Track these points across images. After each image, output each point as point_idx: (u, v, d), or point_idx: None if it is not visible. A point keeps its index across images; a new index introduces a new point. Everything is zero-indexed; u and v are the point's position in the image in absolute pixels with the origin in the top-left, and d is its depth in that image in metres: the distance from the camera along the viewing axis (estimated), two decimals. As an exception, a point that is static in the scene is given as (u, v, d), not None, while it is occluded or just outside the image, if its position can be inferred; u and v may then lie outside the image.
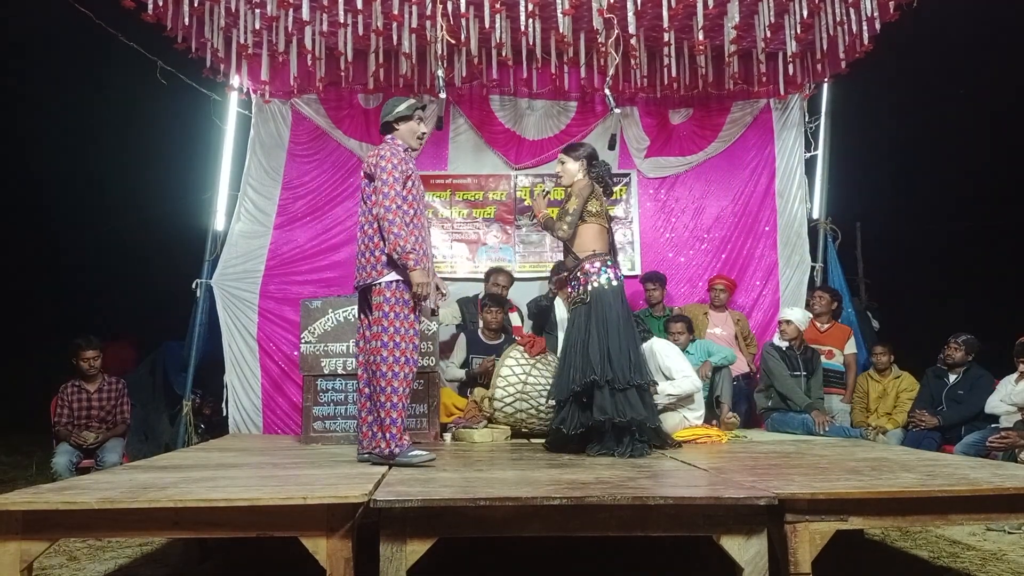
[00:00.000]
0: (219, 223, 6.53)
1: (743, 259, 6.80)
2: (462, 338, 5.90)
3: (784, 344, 5.72)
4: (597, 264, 4.32)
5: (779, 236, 6.80)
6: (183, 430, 6.18)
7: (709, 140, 6.93)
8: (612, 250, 4.57)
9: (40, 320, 13.27)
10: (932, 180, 12.84)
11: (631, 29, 5.46)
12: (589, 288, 4.29)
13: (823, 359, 6.00)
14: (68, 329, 6.66)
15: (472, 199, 6.85)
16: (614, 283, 4.31)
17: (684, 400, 4.96)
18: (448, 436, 5.05)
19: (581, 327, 4.26)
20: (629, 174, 6.93)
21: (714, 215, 6.87)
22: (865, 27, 5.46)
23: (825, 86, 6.79)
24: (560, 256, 6.71)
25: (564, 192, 4.66)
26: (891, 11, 5.45)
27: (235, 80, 6.35)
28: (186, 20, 5.38)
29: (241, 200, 6.52)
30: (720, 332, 6.24)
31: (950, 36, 9.57)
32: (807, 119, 6.93)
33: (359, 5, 5.29)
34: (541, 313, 6.16)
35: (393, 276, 3.69)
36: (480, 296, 6.15)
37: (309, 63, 5.91)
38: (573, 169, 4.52)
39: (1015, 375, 5.30)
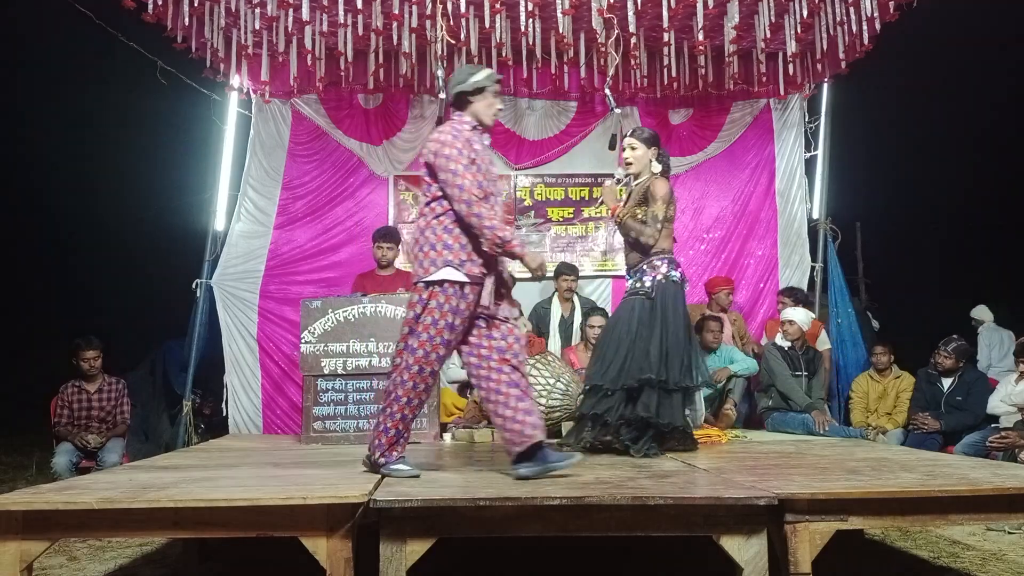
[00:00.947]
0: (219, 223, 6.53)
1: (743, 259, 6.81)
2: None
3: (787, 344, 5.72)
4: (666, 260, 4.25)
5: (779, 236, 6.80)
6: (183, 430, 6.18)
7: (709, 140, 6.93)
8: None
9: (40, 320, 13.28)
10: (932, 180, 12.84)
11: (631, 29, 5.46)
12: (655, 282, 4.20)
13: None
14: (68, 329, 6.66)
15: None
16: (679, 281, 4.25)
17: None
18: (448, 436, 5.05)
19: (645, 321, 4.17)
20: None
21: (714, 215, 6.88)
22: (865, 27, 5.46)
23: (825, 86, 6.79)
24: (562, 257, 6.74)
25: (631, 181, 4.49)
26: (891, 11, 5.45)
27: (235, 80, 6.35)
28: (186, 20, 5.38)
29: (241, 200, 6.53)
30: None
31: (950, 36, 9.57)
32: (807, 119, 6.92)
33: (359, 5, 5.29)
34: (540, 317, 6.19)
35: (441, 275, 3.22)
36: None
37: (309, 63, 5.91)
38: (644, 157, 4.35)
39: (1015, 375, 5.30)
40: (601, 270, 6.89)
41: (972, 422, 5.37)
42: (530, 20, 5.51)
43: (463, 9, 5.23)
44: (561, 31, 5.46)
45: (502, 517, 2.67)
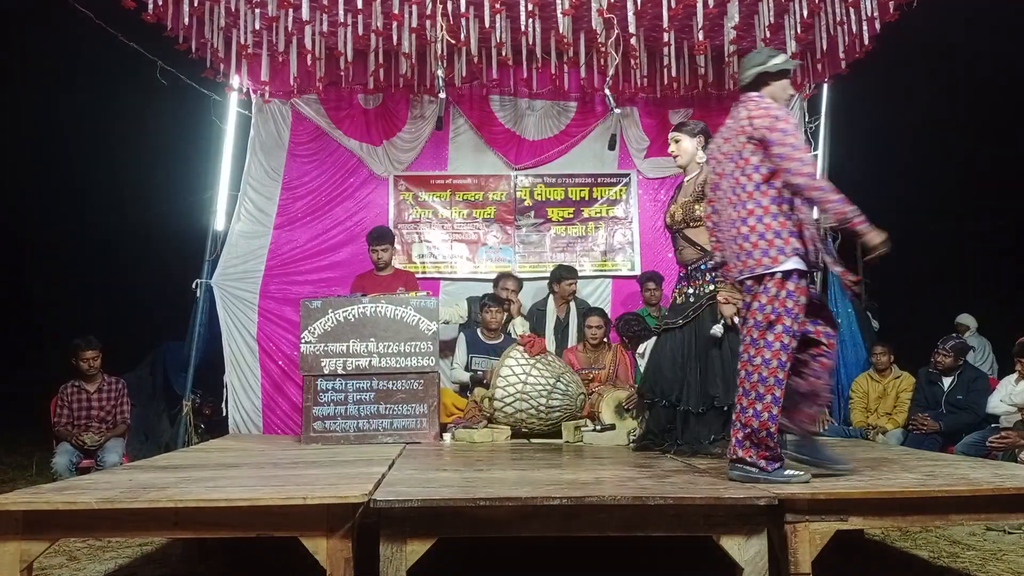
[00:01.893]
0: (219, 223, 6.53)
1: (743, 259, 6.80)
2: (462, 338, 5.90)
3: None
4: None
5: (779, 236, 6.78)
6: (183, 430, 6.18)
7: (709, 140, 6.92)
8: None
9: (40, 320, 13.28)
10: (933, 180, 12.84)
11: (631, 29, 5.46)
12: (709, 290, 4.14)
13: None
14: (68, 329, 6.66)
15: (472, 199, 6.85)
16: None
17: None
18: (448, 436, 5.05)
19: (703, 339, 4.15)
20: (629, 174, 6.93)
21: (714, 215, 6.86)
22: (865, 27, 5.46)
23: (825, 86, 6.79)
24: (562, 258, 6.73)
25: (692, 183, 4.30)
26: (891, 11, 5.46)
27: (235, 80, 6.35)
28: (186, 20, 5.38)
29: (241, 200, 6.53)
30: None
31: (950, 36, 9.57)
32: (807, 119, 6.92)
33: (359, 5, 5.29)
34: (536, 319, 6.17)
35: (791, 265, 2.99)
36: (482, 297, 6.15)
37: (309, 63, 5.91)
38: (691, 148, 4.27)
39: (1015, 375, 5.30)
40: (601, 270, 6.88)
41: (972, 421, 5.38)
42: (530, 20, 5.51)
43: (463, 9, 5.22)
44: (561, 31, 5.46)
45: (502, 517, 2.67)
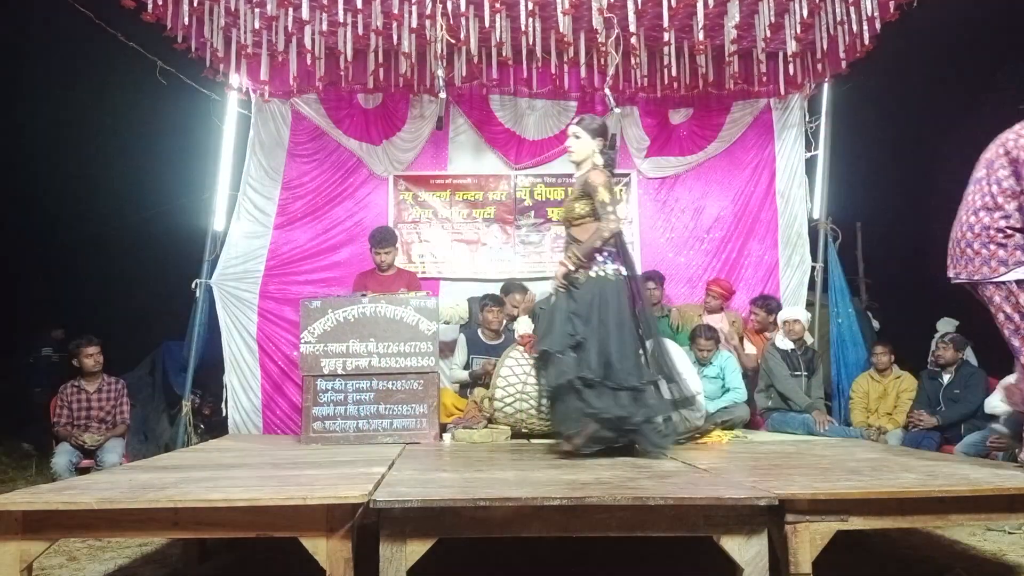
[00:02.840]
0: (219, 223, 6.53)
1: (743, 259, 6.80)
2: (462, 338, 5.90)
3: (788, 345, 5.71)
4: (604, 254, 4.12)
5: (779, 236, 6.80)
6: (183, 430, 6.18)
7: (709, 140, 6.93)
8: (621, 246, 4.26)
9: (40, 320, 13.26)
10: (933, 180, 12.82)
11: (631, 29, 5.46)
12: (589, 274, 4.08)
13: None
14: (68, 329, 6.66)
15: (472, 199, 6.85)
16: (611, 276, 4.11)
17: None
18: (448, 436, 5.05)
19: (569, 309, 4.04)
20: (629, 174, 6.93)
21: (714, 215, 6.87)
22: (865, 27, 5.46)
23: (825, 86, 6.79)
24: (560, 258, 6.71)
25: (579, 181, 4.28)
26: (891, 11, 5.45)
27: (235, 80, 6.35)
28: (186, 20, 5.38)
29: (241, 200, 6.52)
30: (718, 333, 6.23)
31: (950, 36, 9.56)
32: (807, 119, 6.92)
33: (359, 5, 5.29)
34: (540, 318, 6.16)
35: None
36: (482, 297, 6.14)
37: (309, 63, 5.90)
38: (588, 146, 4.27)
39: (1014, 375, 5.29)
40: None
41: (968, 412, 5.39)
42: (530, 20, 5.51)
43: (463, 9, 5.23)
44: (561, 31, 5.46)
45: (502, 517, 2.66)
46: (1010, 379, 5.29)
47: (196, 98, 6.64)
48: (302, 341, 5.02)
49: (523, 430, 5.09)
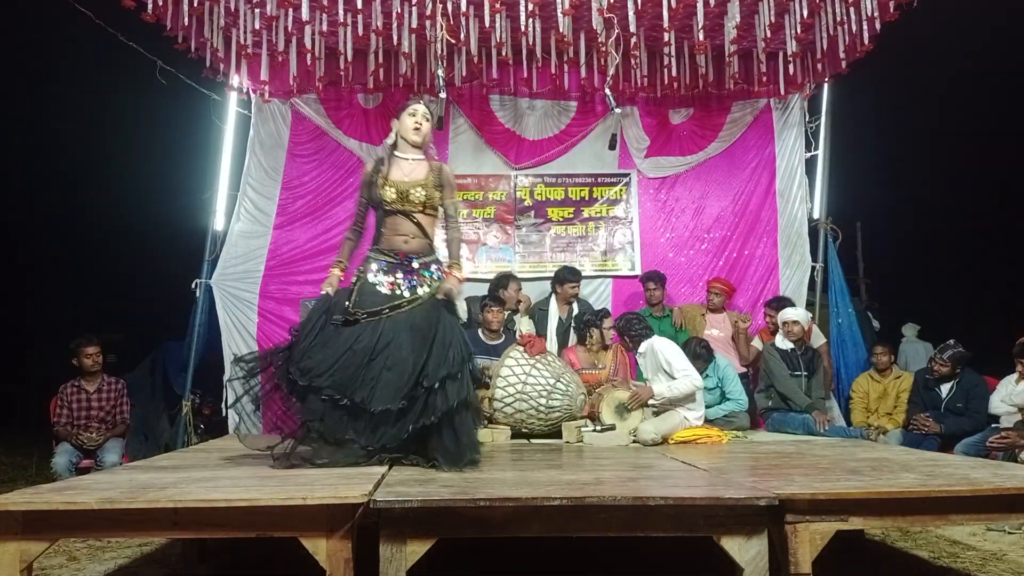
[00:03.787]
0: (219, 223, 6.53)
1: (743, 259, 6.81)
2: (462, 338, 5.89)
3: (788, 346, 5.71)
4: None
5: (779, 236, 6.80)
6: (183, 430, 6.18)
7: (709, 140, 6.93)
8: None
9: (40, 320, 13.27)
10: (933, 180, 12.85)
11: (631, 29, 5.46)
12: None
13: None
14: (68, 329, 6.65)
15: (472, 199, 6.85)
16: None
17: (684, 400, 4.96)
18: (448, 436, 5.03)
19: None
20: (629, 174, 6.93)
21: (714, 215, 6.88)
22: (865, 27, 5.46)
23: (825, 86, 6.80)
24: (562, 258, 6.73)
25: (431, 166, 3.99)
26: (891, 11, 5.46)
27: (235, 80, 6.35)
28: (186, 20, 5.39)
29: (241, 200, 6.53)
30: (717, 333, 6.22)
31: (950, 35, 9.57)
32: (807, 119, 6.93)
33: (359, 5, 5.29)
34: (538, 319, 6.16)
35: None
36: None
37: (309, 63, 5.91)
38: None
39: (1015, 375, 5.30)
40: (601, 270, 6.88)
41: (973, 427, 5.33)
42: (530, 20, 5.51)
43: (463, 9, 5.23)
44: (561, 31, 5.46)
45: (502, 517, 2.66)
46: (1010, 379, 5.31)
47: (196, 98, 6.65)
48: (302, 341, 5.00)
49: (523, 430, 5.09)
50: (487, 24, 5.46)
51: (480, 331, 5.86)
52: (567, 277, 6.12)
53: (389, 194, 3.86)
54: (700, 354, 5.56)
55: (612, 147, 6.72)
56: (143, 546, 4.13)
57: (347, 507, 2.60)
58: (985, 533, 4.34)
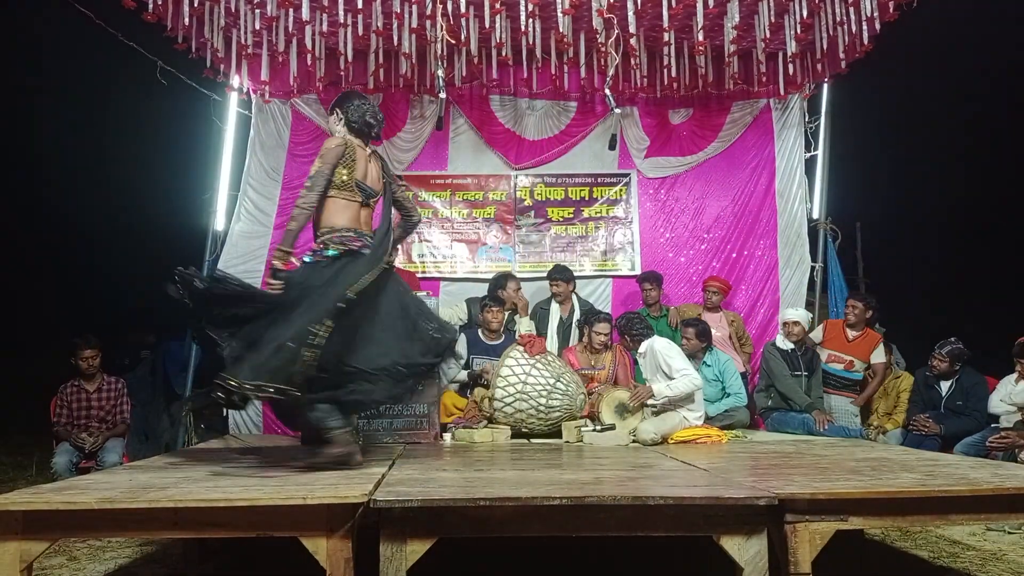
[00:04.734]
0: (219, 223, 6.53)
1: (743, 259, 6.81)
2: (462, 338, 5.88)
3: (788, 346, 5.71)
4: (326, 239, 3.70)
5: (779, 236, 6.80)
6: (183, 430, 6.18)
7: (709, 140, 6.93)
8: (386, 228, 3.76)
9: (40, 320, 13.27)
10: (932, 180, 12.85)
11: (631, 29, 5.46)
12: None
13: (840, 368, 5.87)
14: (68, 329, 6.65)
15: (472, 199, 6.85)
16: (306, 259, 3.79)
17: (684, 400, 4.96)
18: (448, 436, 5.05)
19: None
20: (629, 174, 6.93)
21: (714, 215, 6.88)
22: (865, 27, 5.46)
23: (825, 86, 6.80)
24: (561, 258, 6.73)
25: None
26: (891, 11, 5.46)
27: (235, 80, 6.35)
28: (186, 20, 5.39)
29: (241, 200, 6.53)
30: (715, 333, 6.20)
31: (950, 36, 9.58)
32: (807, 119, 6.93)
33: (359, 5, 5.29)
34: (539, 318, 6.16)
35: None
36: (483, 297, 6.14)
37: (309, 63, 5.91)
38: (334, 126, 3.82)
39: (1015, 375, 5.30)
40: (601, 270, 6.89)
41: (973, 427, 5.32)
42: (530, 20, 5.51)
43: (463, 9, 5.23)
44: (561, 31, 5.46)
45: (502, 517, 2.67)
46: (1010, 379, 5.31)
47: (196, 98, 6.65)
48: (302, 341, 5.00)
49: (523, 430, 5.09)
50: (487, 24, 5.46)
51: (480, 331, 5.87)
52: (552, 275, 6.15)
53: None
54: (694, 330, 5.60)
55: (612, 147, 6.73)
56: (143, 546, 4.13)
57: (347, 507, 2.61)
58: (985, 533, 4.34)
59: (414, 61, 6.07)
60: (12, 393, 10.71)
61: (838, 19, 5.63)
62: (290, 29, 5.70)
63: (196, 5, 5.44)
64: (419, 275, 6.48)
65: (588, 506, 2.67)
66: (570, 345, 6.04)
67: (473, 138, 6.89)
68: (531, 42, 5.75)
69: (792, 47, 5.91)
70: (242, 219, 6.50)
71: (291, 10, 5.50)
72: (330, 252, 3.68)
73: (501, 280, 6.12)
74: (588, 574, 3.70)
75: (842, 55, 5.94)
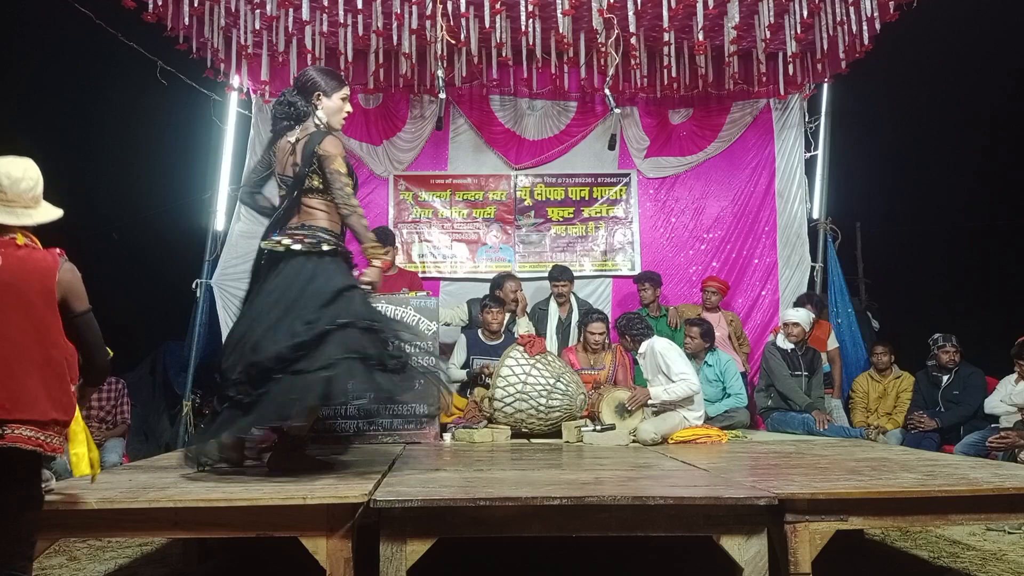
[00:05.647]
0: (219, 223, 6.54)
1: (743, 259, 6.81)
2: (462, 339, 5.89)
3: (788, 346, 5.71)
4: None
5: (779, 236, 6.81)
6: (183, 430, 6.18)
7: (709, 140, 6.93)
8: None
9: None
10: (932, 180, 12.84)
11: (631, 29, 5.47)
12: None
13: None
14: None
15: (472, 199, 6.86)
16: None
17: (683, 401, 4.96)
18: (448, 436, 5.04)
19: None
20: (629, 174, 6.94)
21: (714, 215, 6.88)
22: (865, 27, 5.46)
23: (825, 86, 6.81)
24: (561, 258, 6.73)
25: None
26: (891, 11, 5.46)
27: (235, 80, 6.36)
28: (186, 20, 5.39)
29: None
30: (715, 333, 6.22)
31: (950, 36, 9.57)
32: (807, 119, 6.94)
33: (359, 5, 5.30)
34: (538, 318, 6.16)
35: None
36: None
37: (309, 63, 5.90)
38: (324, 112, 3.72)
39: (1015, 375, 5.30)
40: (601, 270, 6.89)
41: (968, 414, 5.39)
42: (530, 20, 5.51)
43: (463, 9, 5.23)
44: (561, 31, 5.47)
45: (502, 517, 2.66)
46: (1010, 379, 5.31)
47: (197, 98, 6.65)
48: (302, 341, 4.99)
49: (523, 430, 5.09)
50: (487, 24, 5.46)
51: (480, 331, 5.87)
52: (552, 275, 6.16)
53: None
54: (697, 329, 5.64)
55: (612, 147, 6.73)
56: (143, 546, 4.13)
57: (347, 507, 2.61)
58: (985, 533, 4.34)
59: (414, 61, 6.07)
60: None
61: (838, 19, 5.64)
62: (290, 29, 5.70)
63: (196, 5, 5.44)
64: (419, 275, 6.47)
65: (588, 506, 2.67)
66: (569, 345, 6.04)
67: (473, 138, 6.89)
68: (531, 42, 5.75)
69: (792, 47, 5.91)
70: (242, 219, 6.49)
71: (291, 10, 5.50)
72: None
73: (499, 280, 6.12)
74: (588, 574, 3.70)
75: (842, 55, 5.94)
